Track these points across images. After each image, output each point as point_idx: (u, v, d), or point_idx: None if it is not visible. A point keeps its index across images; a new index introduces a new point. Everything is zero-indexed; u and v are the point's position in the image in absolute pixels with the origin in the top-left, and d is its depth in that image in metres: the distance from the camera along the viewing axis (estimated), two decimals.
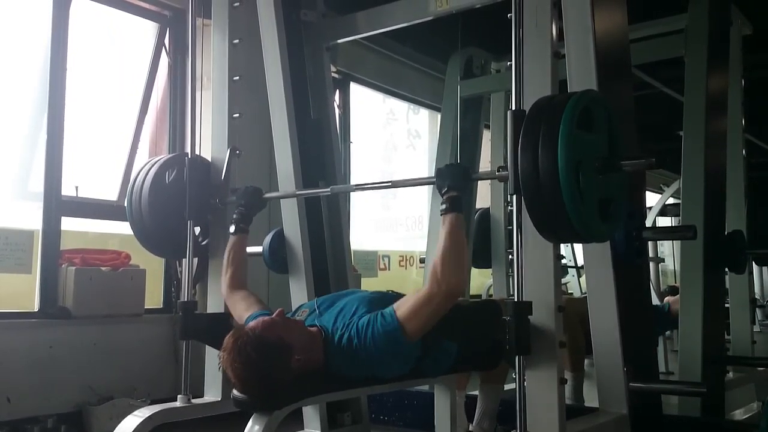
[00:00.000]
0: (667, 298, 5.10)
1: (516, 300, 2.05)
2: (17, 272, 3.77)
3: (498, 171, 2.15)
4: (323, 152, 3.64)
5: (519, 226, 2.07)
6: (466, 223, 4.89)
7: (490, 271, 5.23)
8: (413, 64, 6.23)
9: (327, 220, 3.65)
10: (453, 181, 2.25)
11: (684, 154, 3.70)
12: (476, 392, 3.18)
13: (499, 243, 4.98)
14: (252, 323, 2.25)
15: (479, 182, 4.52)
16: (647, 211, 7.17)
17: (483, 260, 5.08)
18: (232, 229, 2.87)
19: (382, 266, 6.42)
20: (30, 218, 3.91)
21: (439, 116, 5.37)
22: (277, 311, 2.29)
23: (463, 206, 2.29)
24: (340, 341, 2.25)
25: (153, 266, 4.32)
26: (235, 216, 2.89)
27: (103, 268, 3.99)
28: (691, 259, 3.57)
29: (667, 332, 5.22)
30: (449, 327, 2.37)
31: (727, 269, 3.84)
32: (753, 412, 3.91)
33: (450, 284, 2.16)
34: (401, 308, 2.21)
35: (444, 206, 2.24)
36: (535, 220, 1.98)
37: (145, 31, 4.63)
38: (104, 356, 3.96)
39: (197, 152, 3.07)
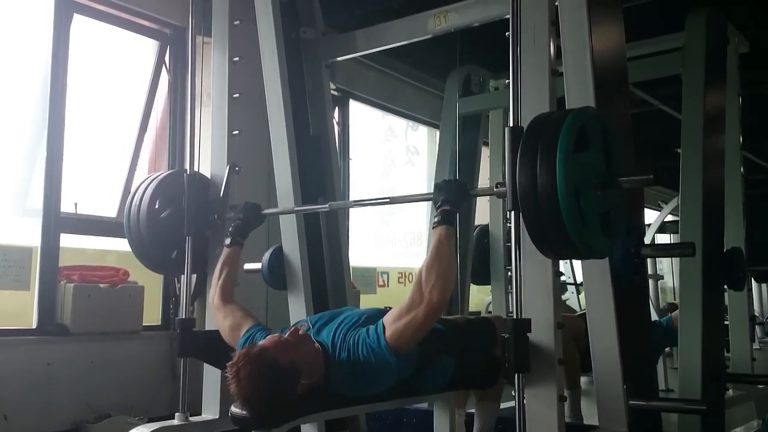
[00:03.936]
0: (669, 314, 5.09)
1: (515, 317, 2.05)
2: (15, 289, 3.76)
3: (496, 187, 2.15)
4: (322, 169, 3.65)
5: (518, 243, 2.08)
6: (465, 240, 4.90)
7: (489, 287, 5.23)
8: (412, 81, 6.26)
9: (326, 237, 3.65)
10: (448, 195, 2.26)
11: (682, 171, 3.71)
12: (473, 410, 3.17)
13: (498, 259, 4.97)
14: (266, 342, 2.21)
15: (478, 199, 4.53)
16: (646, 228, 7.18)
17: (482, 277, 5.08)
18: (227, 241, 2.87)
19: (381, 283, 6.41)
20: (29, 235, 3.91)
21: (437, 133, 5.40)
22: (292, 330, 2.27)
23: (456, 220, 2.28)
24: (339, 358, 2.24)
25: (151, 283, 4.31)
26: (231, 228, 2.89)
27: (102, 285, 3.98)
28: (690, 277, 3.56)
29: (666, 349, 5.21)
30: (445, 344, 2.36)
31: (726, 286, 3.84)
32: (753, 429, 3.89)
33: (432, 297, 2.12)
34: (387, 321, 2.20)
35: (436, 219, 2.24)
36: (534, 237, 1.98)
37: (146, 48, 4.66)
38: (102, 373, 3.94)
39: (196, 169, 3.08)
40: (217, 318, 2.70)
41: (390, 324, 2.17)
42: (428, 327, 2.20)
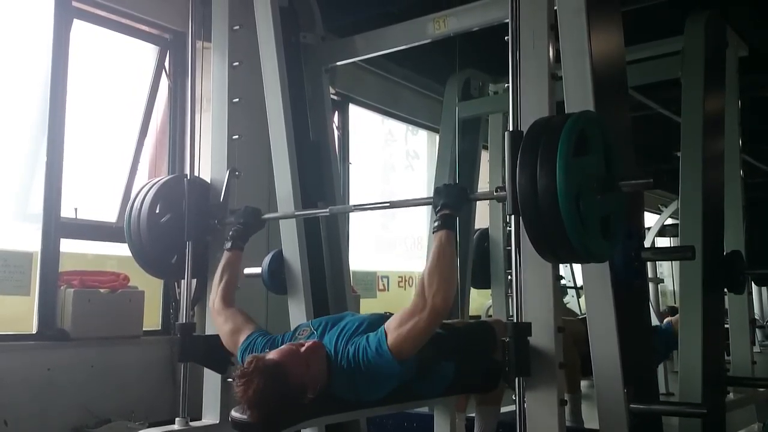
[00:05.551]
0: (667, 319, 5.09)
1: (515, 321, 2.05)
2: (16, 294, 3.76)
3: (496, 191, 2.15)
4: (322, 173, 3.66)
5: (518, 247, 2.08)
6: (465, 244, 4.90)
7: (489, 291, 5.22)
8: (412, 85, 6.27)
9: (326, 241, 3.65)
10: (448, 199, 2.25)
11: (682, 175, 3.71)
12: (474, 414, 3.17)
13: (498, 263, 4.97)
14: (281, 356, 2.18)
15: (478, 203, 4.53)
16: (646, 231, 7.18)
17: (482, 281, 5.08)
18: (227, 245, 2.86)
19: (381, 287, 6.40)
20: (29, 240, 3.91)
21: (437, 137, 5.40)
22: (310, 342, 2.25)
23: (456, 224, 2.28)
24: (341, 363, 2.24)
25: (151, 287, 4.31)
26: (231, 232, 2.88)
27: (102, 290, 3.98)
28: (690, 280, 3.56)
29: None
30: (445, 348, 2.36)
31: (726, 290, 3.83)
32: None
33: (435, 303, 2.11)
34: (390, 327, 2.19)
35: (436, 223, 2.23)
36: (534, 241, 1.98)
37: (146, 53, 4.66)
38: (102, 378, 3.93)
39: (196, 173, 3.09)
40: (217, 322, 2.69)
41: (392, 330, 2.16)
42: (431, 332, 2.19)
